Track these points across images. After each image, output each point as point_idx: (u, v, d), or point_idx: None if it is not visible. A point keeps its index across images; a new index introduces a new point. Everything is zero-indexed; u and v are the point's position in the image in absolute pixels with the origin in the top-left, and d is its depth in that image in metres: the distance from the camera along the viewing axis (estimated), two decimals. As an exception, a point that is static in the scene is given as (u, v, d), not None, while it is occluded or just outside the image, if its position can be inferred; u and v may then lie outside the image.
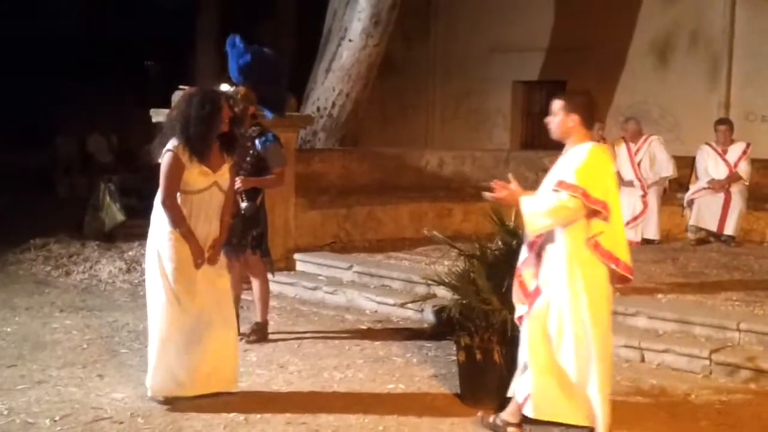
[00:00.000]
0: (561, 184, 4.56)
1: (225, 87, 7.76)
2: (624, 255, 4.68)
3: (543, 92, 14.97)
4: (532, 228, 4.62)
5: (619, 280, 4.76)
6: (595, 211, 4.55)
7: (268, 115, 7.74)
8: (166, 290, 5.25)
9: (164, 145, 5.30)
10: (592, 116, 4.81)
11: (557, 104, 4.76)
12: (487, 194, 4.78)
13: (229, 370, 5.47)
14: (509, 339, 5.35)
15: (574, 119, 4.71)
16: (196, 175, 5.25)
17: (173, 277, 5.24)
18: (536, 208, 4.60)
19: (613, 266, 4.63)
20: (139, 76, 21.05)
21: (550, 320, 4.66)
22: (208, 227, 5.38)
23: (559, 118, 4.76)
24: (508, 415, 4.88)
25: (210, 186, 5.33)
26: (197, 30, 18.04)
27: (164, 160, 5.25)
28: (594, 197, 4.53)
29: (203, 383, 5.34)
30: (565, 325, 4.62)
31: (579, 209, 4.54)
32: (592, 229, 4.59)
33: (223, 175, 5.40)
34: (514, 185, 4.76)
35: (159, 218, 5.32)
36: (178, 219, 5.24)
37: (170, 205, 5.23)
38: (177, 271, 5.24)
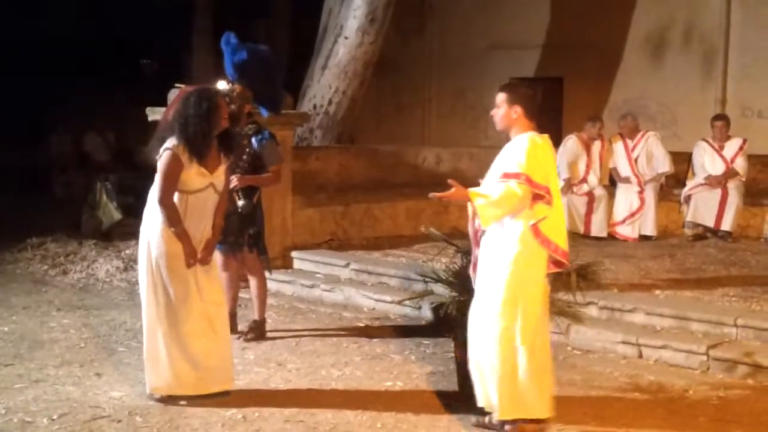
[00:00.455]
0: (506, 176, 4.67)
1: (221, 85, 7.75)
2: (562, 241, 4.76)
3: (539, 89, 14.96)
4: (486, 219, 4.71)
5: (554, 264, 4.81)
6: (538, 195, 4.65)
7: (264, 113, 7.73)
8: (160, 288, 5.25)
9: (162, 144, 5.29)
10: (534, 107, 4.88)
11: (500, 97, 4.86)
12: (433, 195, 4.82)
13: (225, 368, 5.46)
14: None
15: (517, 111, 4.81)
16: (193, 175, 5.25)
17: (166, 274, 5.24)
18: (487, 200, 4.68)
19: (551, 252, 4.72)
20: (135, 74, 21.01)
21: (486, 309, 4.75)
22: (202, 227, 5.37)
23: (502, 110, 4.85)
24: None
25: (207, 187, 5.33)
26: (193, 28, 18.02)
27: (163, 158, 5.23)
28: (536, 182, 4.64)
29: (199, 382, 5.33)
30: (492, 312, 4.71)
31: (527, 195, 4.64)
32: (536, 214, 4.69)
33: (219, 176, 5.41)
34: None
35: (152, 215, 5.30)
36: (174, 219, 5.23)
37: (167, 205, 5.22)
38: (170, 268, 5.24)
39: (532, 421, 4.78)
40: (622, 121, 10.82)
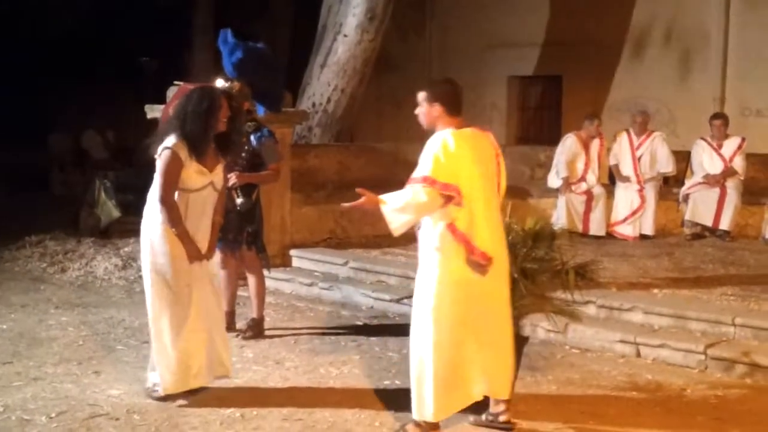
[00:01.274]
0: (411, 180, 4.62)
1: (220, 82, 7.75)
2: (480, 241, 4.64)
3: (538, 87, 15.00)
4: (393, 226, 4.66)
5: (475, 265, 4.68)
6: (448, 196, 4.58)
7: (261, 111, 7.73)
8: (163, 286, 5.25)
9: (162, 142, 5.29)
10: (455, 103, 4.78)
11: (420, 95, 4.80)
12: (344, 205, 4.82)
13: (225, 357, 5.47)
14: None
15: (438, 109, 4.75)
16: (193, 174, 5.24)
17: (169, 271, 5.24)
18: (393, 206, 4.64)
19: (467, 252, 4.63)
20: (134, 72, 21.00)
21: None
22: (203, 226, 5.38)
23: (423, 109, 4.80)
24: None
25: (206, 185, 5.33)
26: (192, 26, 18.01)
27: (162, 157, 5.22)
28: (442, 182, 4.55)
29: (204, 375, 5.37)
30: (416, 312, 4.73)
31: (434, 198, 4.56)
32: (449, 215, 4.62)
33: (218, 174, 5.41)
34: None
35: (153, 214, 5.30)
36: (175, 218, 5.22)
37: (169, 204, 5.21)
38: (172, 266, 5.23)
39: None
40: (639, 116, 10.74)
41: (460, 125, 4.76)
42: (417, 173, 4.61)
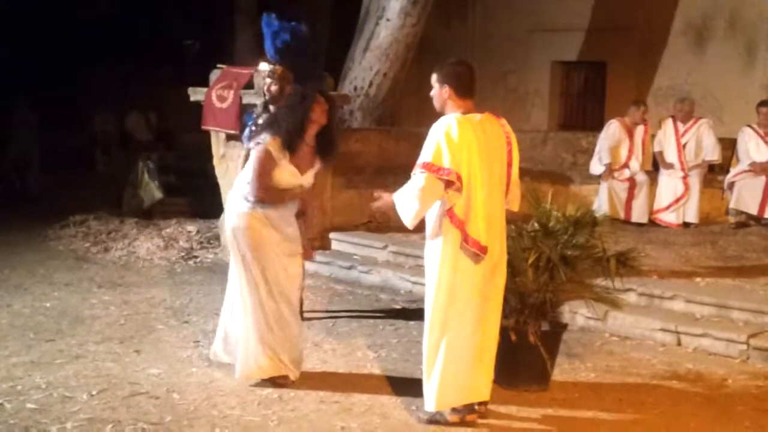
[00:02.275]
0: (414, 168, 4.61)
1: (263, 66, 7.77)
2: (474, 230, 4.59)
3: (582, 73, 14.84)
4: (405, 218, 4.64)
5: (469, 252, 4.63)
6: (448, 182, 4.54)
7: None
8: (249, 277, 5.25)
9: (258, 132, 5.43)
10: (465, 85, 4.73)
11: (433, 78, 4.77)
12: (369, 214, 4.79)
13: (298, 355, 5.46)
14: (547, 321, 5.36)
15: (447, 90, 4.71)
16: (285, 175, 5.27)
17: (253, 262, 5.23)
18: (400, 201, 4.64)
19: (462, 241, 4.58)
20: (177, 55, 21.12)
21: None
22: (284, 225, 5.39)
23: (435, 90, 4.77)
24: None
25: (295, 187, 5.35)
26: (235, 8, 18.05)
27: (257, 153, 5.27)
28: (438, 166, 4.52)
29: (278, 366, 5.35)
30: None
31: (432, 183, 4.54)
32: (450, 200, 4.59)
33: (309, 178, 5.41)
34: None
35: (236, 204, 5.32)
36: (277, 200, 5.26)
37: (266, 197, 5.23)
38: (255, 259, 5.23)
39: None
40: (679, 104, 10.60)
41: (470, 109, 4.71)
42: (420, 159, 4.60)
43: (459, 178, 4.53)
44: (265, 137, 5.27)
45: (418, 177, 4.58)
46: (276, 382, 5.30)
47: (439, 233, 4.65)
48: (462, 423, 4.74)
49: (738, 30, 12.75)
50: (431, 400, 4.73)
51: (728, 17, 12.89)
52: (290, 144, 5.23)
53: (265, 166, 5.21)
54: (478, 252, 4.59)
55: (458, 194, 4.57)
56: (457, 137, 4.55)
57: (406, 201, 4.62)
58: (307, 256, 5.63)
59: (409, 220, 4.64)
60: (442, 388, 4.68)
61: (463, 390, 4.72)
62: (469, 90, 4.74)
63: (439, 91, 4.74)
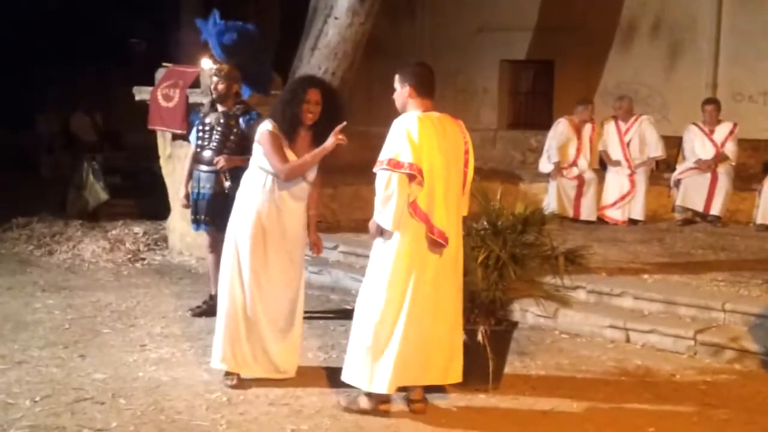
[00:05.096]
0: (377, 163, 4.71)
1: (207, 64, 7.68)
2: (439, 221, 4.72)
3: (530, 72, 14.91)
4: (387, 224, 4.70)
5: (433, 243, 4.75)
6: (410, 176, 4.64)
7: (246, 93, 7.65)
8: (243, 271, 5.24)
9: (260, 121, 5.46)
10: (425, 85, 4.88)
11: (396, 78, 4.93)
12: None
13: (293, 355, 5.44)
14: (496, 320, 5.36)
15: (408, 90, 4.85)
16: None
17: (249, 258, 5.23)
18: (377, 207, 4.72)
19: (428, 232, 4.70)
20: (124, 54, 20.85)
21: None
22: (286, 208, 5.35)
23: (397, 92, 4.92)
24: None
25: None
26: (182, 7, 17.86)
27: (263, 137, 5.25)
28: (397, 161, 4.63)
29: (267, 367, 5.34)
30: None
31: (401, 179, 4.64)
32: (412, 193, 4.69)
33: (310, 170, 5.37)
34: None
35: (246, 197, 5.36)
36: (303, 168, 5.24)
37: (290, 172, 5.20)
38: (253, 255, 5.23)
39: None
40: (617, 102, 10.75)
41: (429, 108, 4.85)
42: (382, 155, 4.69)
43: (420, 171, 4.64)
44: (266, 123, 5.28)
45: (380, 177, 4.66)
46: (228, 377, 5.28)
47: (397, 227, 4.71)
48: (374, 411, 4.84)
49: (683, 30, 12.90)
50: (383, 382, 4.76)
51: (673, 17, 13.04)
52: (287, 134, 5.24)
53: (277, 144, 5.20)
54: (443, 242, 4.71)
55: (420, 188, 4.68)
56: (418, 133, 4.67)
57: (380, 205, 4.70)
58: (317, 250, 5.68)
59: (391, 224, 4.70)
60: (395, 370, 4.74)
61: (407, 373, 4.82)
62: (428, 90, 4.90)
63: (401, 91, 4.89)
